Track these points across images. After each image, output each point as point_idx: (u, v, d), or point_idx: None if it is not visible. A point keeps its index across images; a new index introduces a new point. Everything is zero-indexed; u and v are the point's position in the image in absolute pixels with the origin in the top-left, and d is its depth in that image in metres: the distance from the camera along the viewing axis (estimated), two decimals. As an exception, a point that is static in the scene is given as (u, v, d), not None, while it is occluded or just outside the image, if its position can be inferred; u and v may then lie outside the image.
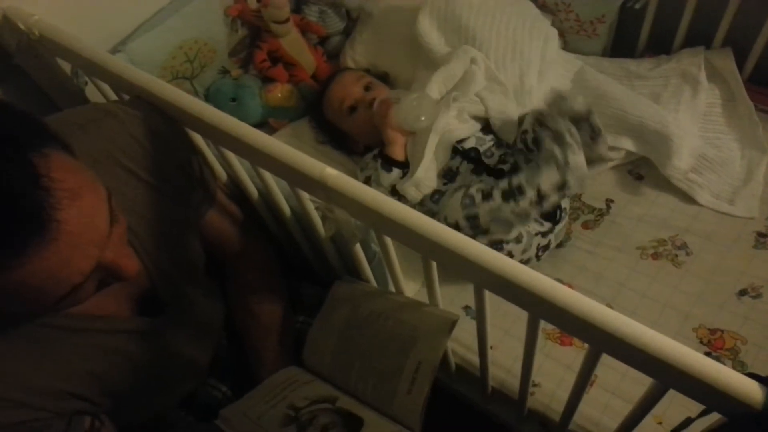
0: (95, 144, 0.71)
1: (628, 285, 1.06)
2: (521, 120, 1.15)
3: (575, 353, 1.00)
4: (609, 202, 1.20)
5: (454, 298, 1.09)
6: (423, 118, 1.09)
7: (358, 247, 0.83)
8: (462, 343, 1.02)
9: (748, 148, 1.20)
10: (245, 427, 0.74)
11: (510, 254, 1.04)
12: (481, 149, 1.13)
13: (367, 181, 1.15)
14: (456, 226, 1.00)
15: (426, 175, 1.09)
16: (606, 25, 1.35)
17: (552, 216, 1.07)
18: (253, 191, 0.91)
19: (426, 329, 0.78)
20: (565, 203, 1.11)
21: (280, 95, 1.37)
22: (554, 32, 1.32)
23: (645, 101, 1.22)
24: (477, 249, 0.58)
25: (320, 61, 1.44)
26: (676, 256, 1.09)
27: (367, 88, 1.25)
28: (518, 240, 1.04)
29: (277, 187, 0.85)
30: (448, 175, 1.12)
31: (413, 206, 0.91)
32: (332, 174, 0.67)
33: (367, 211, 0.65)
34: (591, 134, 1.02)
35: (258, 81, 1.38)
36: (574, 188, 0.98)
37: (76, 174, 0.51)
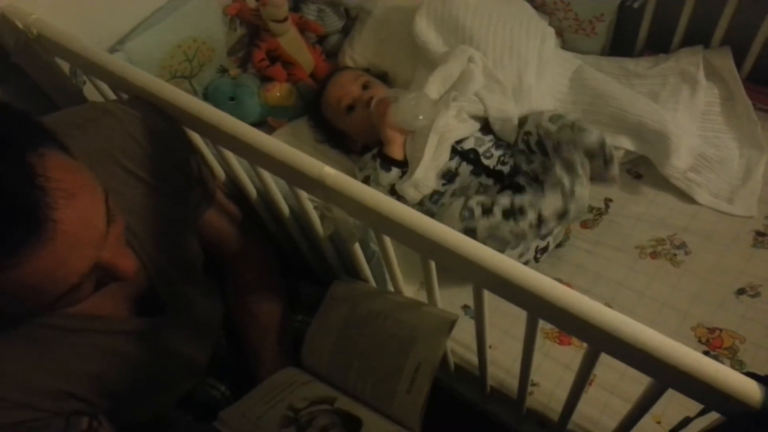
0: (93, 143, 0.71)
1: (627, 284, 1.06)
2: (523, 121, 1.16)
3: (574, 352, 1.00)
4: (608, 201, 1.20)
5: (452, 297, 1.09)
6: (421, 117, 1.09)
7: (356, 247, 0.83)
8: (461, 343, 1.02)
9: (747, 147, 1.20)
10: (244, 428, 0.74)
11: None
12: (480, 150, 1.13)
13: (366, 180, 1.15)
14: None
15: (425, 176, 1.09)
16: (605, 24, 1.35)
17: None
18: (252, 190, 0.91)
19: (425, 329, 0.78)
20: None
21: (278, 94, 1.37)
22: (551, 31, 1.32)
23: (644, 100, 1.22)
24: (476, 249, 0.58)
25: (319, 60, 1.44)
26: (675, 255, 1.09)
27: (365, 87, 1.25)
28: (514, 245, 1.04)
29: (275, 186, 0.85)
30: (447, 175, 1.12)
31: (412, 207, 0.91)
32: (331, 173, 0.67)
33: (366, 211, 0.65)
34: (604, 162, 1.03)
35: (256, 80, 1.38)
36: (573, 218, 0.99)
37: (73, 174, 0.51)
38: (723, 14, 1.24)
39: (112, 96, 0.94)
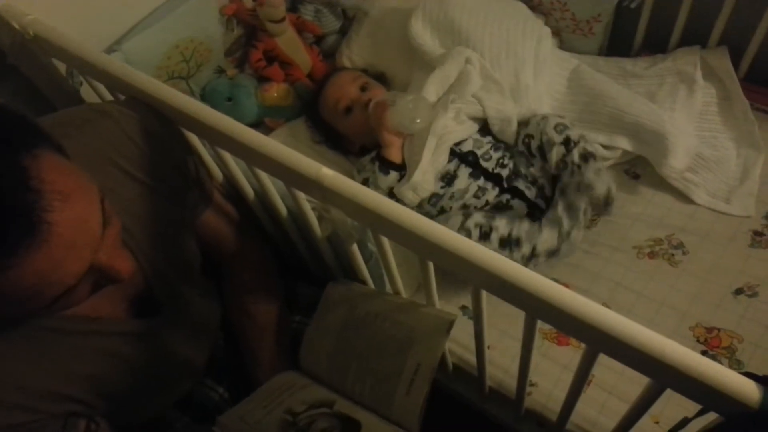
0: (90, 144, 0.70)
1: (625, 284, 1.07)
2: (523, 122, 1.15)
3: (572, 353, 1.00)
4: (606, 201, 1.20)
5: (451, 298, 1.09)
6: (419, 121, 1.08)
7: (354, 248, 0.83)
8: (459, 343, 1.02)
9: (744, 146, 1.20)
10: (243, 432, 0.74)
11: None
12: (479, 152, 1.13)
13: (364, 183, 1.14)
14: None
15: (423, 178, 1.08)
16: (602, 24, 1.35)
17: None
18: (249, 191, 0.91)
19: (424, 330, 0.78)
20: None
21: (276, 95, 1.37)
22: (547, 32, 1.32)
23: (641, 100, 1.22)
24: (474, 250, 0.58)
25: (316, 60, 1.44)
26: (673, 255, 1.09)
27: (363, 89, 1.24)
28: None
29: (273, 187, 0.84)
30: (445, 178, 1.12)
31: (411, 209, 0.91)
32: (328, 174, 0.67)
33: (364, 211, 0.65)
34: (605, 204, 1.07)
35: (254, 80, 1.38)
36: (561, 257, 1.05)
37: (68, 176, 0.51)
38: (720, 14, 1.24)
39: (109, 97, 0.94)
